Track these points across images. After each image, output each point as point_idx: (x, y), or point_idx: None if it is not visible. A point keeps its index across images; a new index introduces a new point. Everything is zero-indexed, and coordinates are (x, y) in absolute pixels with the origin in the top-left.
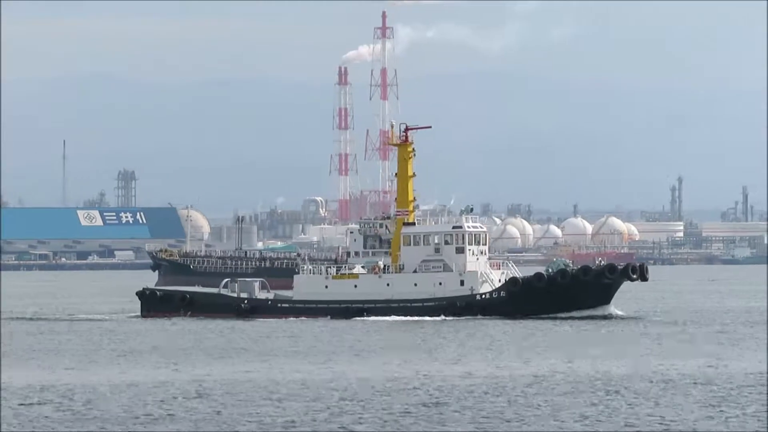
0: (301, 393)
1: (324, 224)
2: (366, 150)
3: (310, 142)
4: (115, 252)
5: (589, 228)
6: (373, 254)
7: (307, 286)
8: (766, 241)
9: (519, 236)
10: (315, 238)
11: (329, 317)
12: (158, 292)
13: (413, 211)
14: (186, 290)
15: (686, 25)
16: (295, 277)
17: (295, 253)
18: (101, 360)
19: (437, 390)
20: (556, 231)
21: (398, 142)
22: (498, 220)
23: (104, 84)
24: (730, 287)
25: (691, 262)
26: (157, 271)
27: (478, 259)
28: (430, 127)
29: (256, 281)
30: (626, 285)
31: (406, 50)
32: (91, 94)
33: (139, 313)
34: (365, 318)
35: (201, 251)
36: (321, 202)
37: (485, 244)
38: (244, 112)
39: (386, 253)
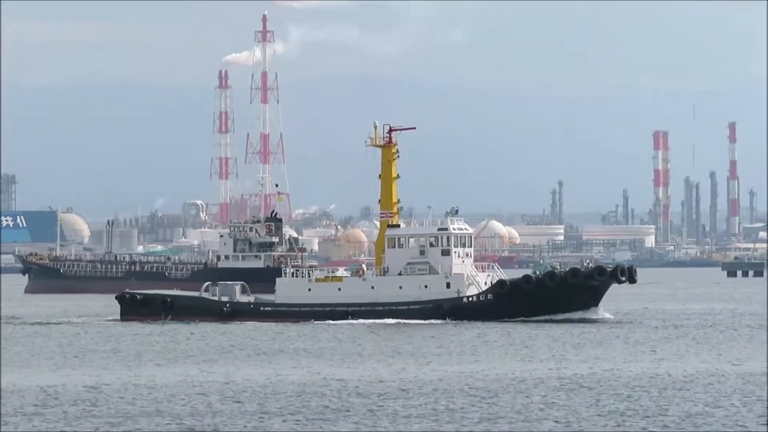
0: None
1: (204, 228)
2: (246, 154)
3: (191, 145)
4: None
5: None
6: (243, 258)
7: (289, 289)
8: (647, 245)
9: None
10: (196, 242)
11: (313, 321)
12: (138, 296)
13: (397, 213)
14: (167, 293)
15: (581, 27)
16: (278, 280)
17: (165, 257)
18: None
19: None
20: None
21: (382, 143)
22: (378, 224)
23: None
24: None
25: (571, 265)
26: (27, 275)
27: (463, 261)
28: (414, 128)
29: (237, 284)
30: None
31: (297, 51)
32: None
33: (117, 317)
34: (351, 321)
35: (71, 255)
36: (201, 205)
37: (471, 246)
38: (127, 115)
39: (255, 256)
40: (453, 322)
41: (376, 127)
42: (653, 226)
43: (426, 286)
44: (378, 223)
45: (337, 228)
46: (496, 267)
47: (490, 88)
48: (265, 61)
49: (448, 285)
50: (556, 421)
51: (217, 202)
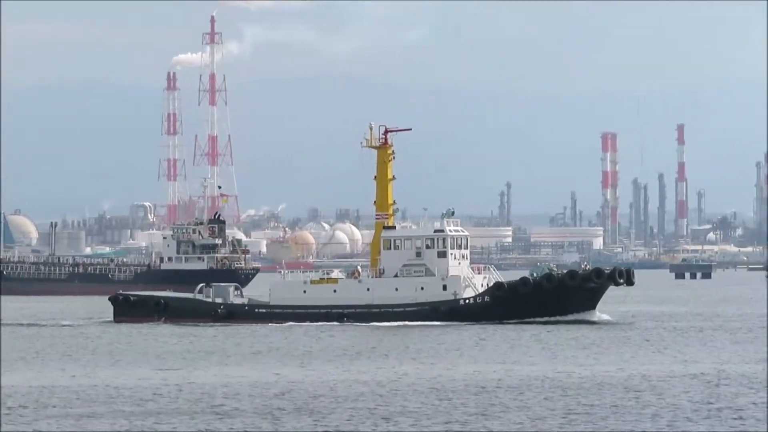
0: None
1: (153, 230)
2: (194, 155)
3: (139, 147)
4: None
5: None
6: (186, 260)
7: (284, 291)
8: (595, 246)
9: (348, 242)
10: (144, 244)
11: (308, 323)
12: (132, 297)
13: (393, 214)
14: (161, 295)
15: (532, 28)
16: (272, 281)
17: (108, 259)
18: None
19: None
20: None
21: (378, 144)
22: (327, 226)
23: None
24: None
25: (520, 267)
26: None
27: (460, 263)
28: (411, 129)
29: (231, 286)
30: None
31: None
32: None
33: (111, 319)
34: (347, 323)
35: (14, 257)
36: (149, 207)
37: (467, 248)
38: (75, 116)
39: (198, 258)
40: (452, 324)
41: (371, 129)
42: (601, 228)
43: (422, 288)
44: (325, 225)
45: (285, 230)
46: (492, 269)
47: (441, 88)
48: (213, 63)
49: (444, 287)
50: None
51: (165, 204)
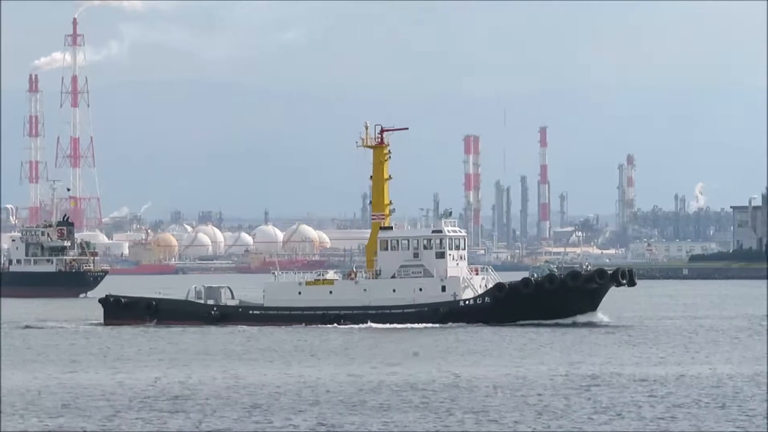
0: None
1: (14, 232)
2: (57, 157)
3: (1, 149)
4: None
5: (281, 235)
6: (35, 262)
7: (278, 292)
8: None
9: (210, 244)
10: (6, 246)
11: (303, 325)
12: (122, 299)
13: (389, 214)
14: (152, 297)
15: (403, 29)
16: (265, 282)
17: None
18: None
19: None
20: (247, 238)
21: (373, 144)
22: (189, 228)
23: None
24: None
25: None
26: None
27: (458, 264)
28: (407, 128)
29: (223, 287)
30: None
31: (128, 53)
32: None
33: (101, 321)
34: (343, 325)
35: None
36: (11, 209)
37: (465, 249)
38: None
39: (47, 260)
40: (452, 325)
41: (367, 128)
42: (464, 230)
43: (420, 289)
44: (188, 227)
45: (147, 232)
46: (490, 270)
47: (309, 90)
48: (75, 65)
49: (443, 288)
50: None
51: (27, 206)
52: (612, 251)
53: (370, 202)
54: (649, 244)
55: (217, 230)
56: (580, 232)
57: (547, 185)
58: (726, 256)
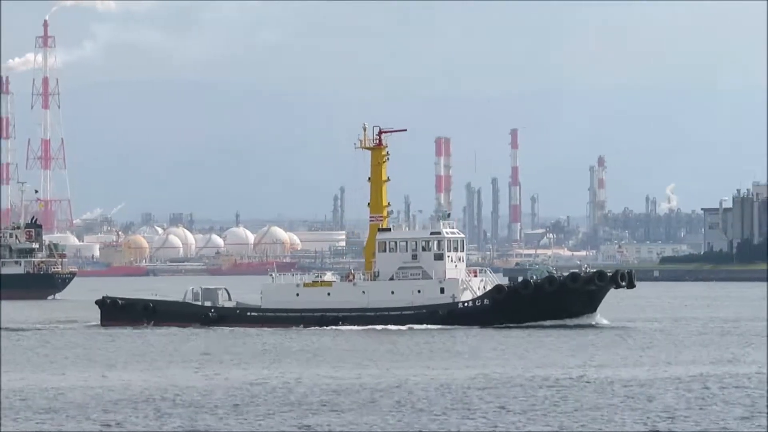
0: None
1: None
2: (27, 159)
3: None
4: None
5: (252, 237)
6: (3, 264)
7: (276, 294)
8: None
9: (181, 246)
10: None
11: (302, 326)
12: (119, 301)
13: (387, 216)
14: (149, 299)
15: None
16: (263, 284)
17: None
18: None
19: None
20: (218, 240)
21: (372, 145)
22: (160, 230)
23: None
24: None
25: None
26: None
27: (456, 266)
28: (406, 130)
29: (220, 289)
30: None
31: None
32: None
33: (97, 323)
34: (341, 327)
35: None
36: None
37: (463, 251)
38: None
39: (15, 262)
40: (453, 327)
41: (365, 129)
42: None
43: (419, 291)
44: (158, 229)
45: (118, 234)
46: (488, 272)
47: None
48: (46, 66)
49: (442, 290)
50: None
51: None
52: (583, 253)
53: (368, 203)
54: (620, 246)
55: (188, 232)
56: (551, 234)
57: (518, 187)
58: (697, 258)
